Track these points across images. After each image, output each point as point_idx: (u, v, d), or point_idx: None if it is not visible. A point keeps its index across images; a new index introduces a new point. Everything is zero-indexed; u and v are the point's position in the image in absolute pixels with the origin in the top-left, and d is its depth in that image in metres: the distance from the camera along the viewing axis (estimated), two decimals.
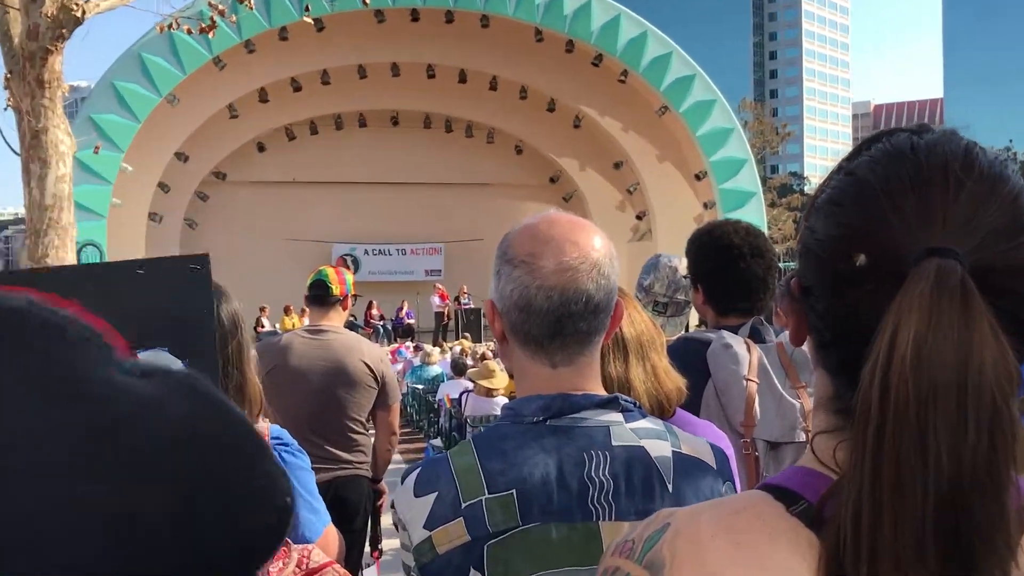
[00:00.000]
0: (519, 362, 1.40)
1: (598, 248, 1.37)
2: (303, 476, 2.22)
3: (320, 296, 4.16)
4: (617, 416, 1.37)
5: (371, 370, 4.10)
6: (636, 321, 1.98)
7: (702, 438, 1.48)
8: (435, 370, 14.79)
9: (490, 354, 14.17)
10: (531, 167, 27.89)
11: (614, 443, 1.35)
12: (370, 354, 4.16)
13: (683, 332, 3.30)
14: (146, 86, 21.43)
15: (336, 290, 4.17)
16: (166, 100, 21.64)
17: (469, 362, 13.50)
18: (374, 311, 25.28)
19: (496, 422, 1.41)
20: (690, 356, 2.39)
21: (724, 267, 2.65)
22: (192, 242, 25.67)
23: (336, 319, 4.20)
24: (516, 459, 1.33)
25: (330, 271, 4.24)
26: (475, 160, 27.98)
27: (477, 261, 27.10)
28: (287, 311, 22.80)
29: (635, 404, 1.42)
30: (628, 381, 1.93)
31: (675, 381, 2.00)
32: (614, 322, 1.41)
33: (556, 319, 1.34)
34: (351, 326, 15.86)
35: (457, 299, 24.79)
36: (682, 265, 3.20)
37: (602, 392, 1.41)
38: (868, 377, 0.71)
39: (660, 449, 1.37)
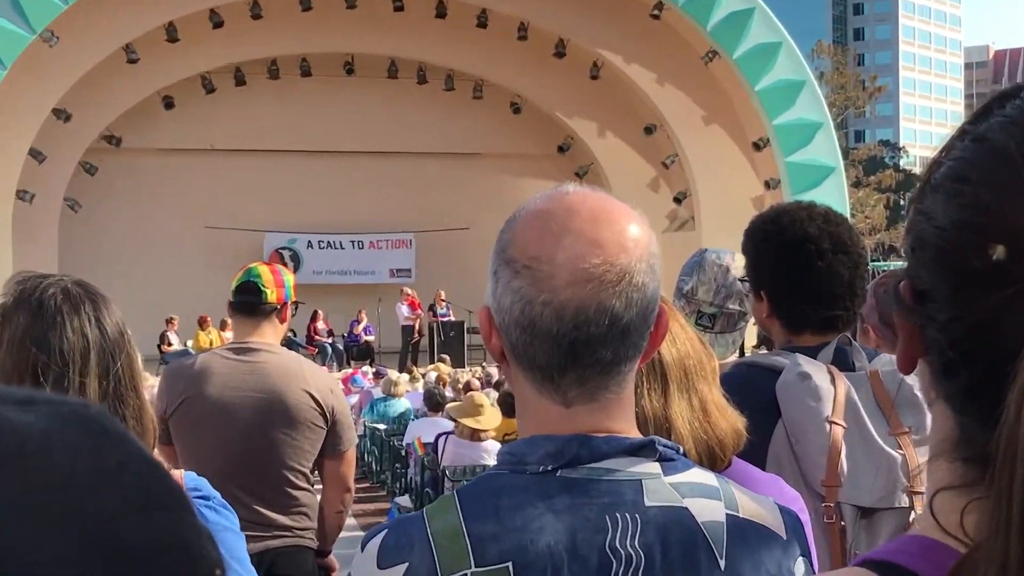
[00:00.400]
0: (522, 393, 1.42)
1: (631, 247, 1.37)
2: (230, 540, 2.27)
3: (250, 303, 4.18)
4: (653, 467, 1.39)
5: (318, 404, 4.11)
6: (679, 339, 2.00)
7: (768, 497, 1.49)
8: (402, 404, 14.90)
9: (476, 383, 14.27)
10: (533, 132, 27.92)
11: (648, 502, 1.36)
12: (316, 382, 4.17)
13: (735, 354, 3.35)
14: (15, 20, 21.41)
15: (271, 295, 4.18)
16: (41, 39, 21.63)
17: (448, 394, 13.62)
18: (320, 324, 25.41)
19: (490, 471, 1.43)
20: (753, 389, 2.41)
21: (796, 268, 2.67)
22: (75, 229, 25.69)
23: (271, 334, 4.21)
24: (514, 521, 1.34)
25: (263, 269, 4.25)
26: (458, 122, 27.97)
27: (460, 258, 26.95)
28: (203, 324, 22.94)
29: (678, 450, 1.43)
30: (668, 420, 1.96)
31: (731, 421, 2.03)
32: (655, 339, 1.42)
33: (569, 345, 1.35)
34: (290, 344, 15.96)
35: (432, 309, 24.93)
36: (736, 264, 3.24)
37: (635, 434, 1.41)
38: (1014, 410, 0.70)
39: (710, 511, 1.38)
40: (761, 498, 1.46)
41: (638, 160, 26.94)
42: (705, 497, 1.38)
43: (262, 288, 4.15)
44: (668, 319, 1.45)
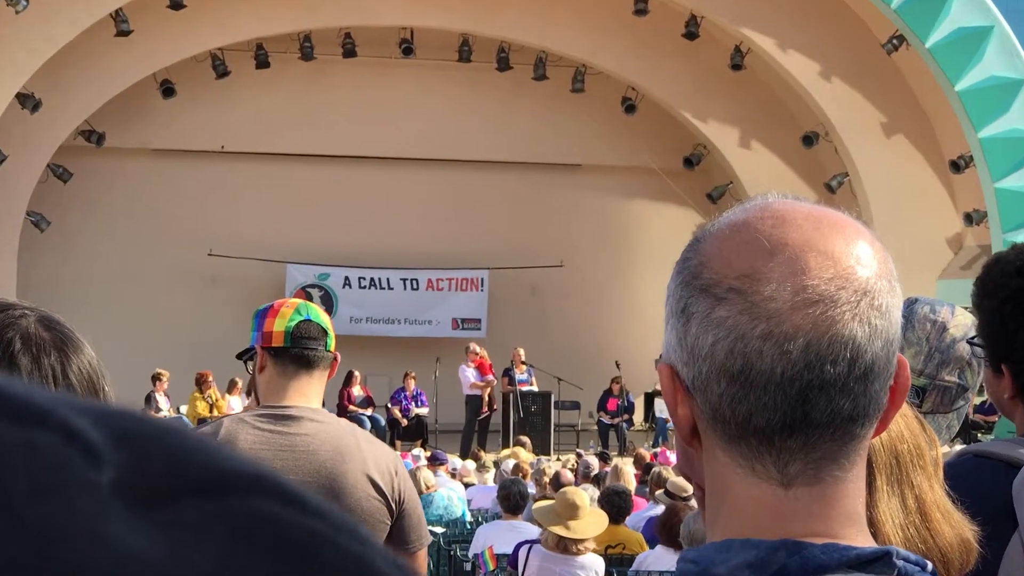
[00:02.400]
0: (721, 475, 1.42)
1: (867, 258, 1.38)
2: None
3: (309, 354, 4.19)
4: None
5: (380, 492, 4.14)
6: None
7: None
8: (463, 501, 14.98)
9: (568, 475, 14.07)
10: (651, 138, 27.91)
11: None
12: (377, 461, 4.19)
13: (954, 441, 3.30)
14: None
15: (332, 343, 4.24)
16: (5, 3, 21.71)
17: (531, 489, 13.40)
18: (355, 389, 25.32)
19: None
20: (982, 489, 2.42)
21: None
22: (39, 252, 25.99)
23: (316, 395, 4.24)
24: None
25: (316, 308, 4.31)
26: (551, 123, 28.07)
27: (548, 305, 27.31)
28: (201, 383, 22.93)
29: (925, 567, 1.41)
30: (873, 522, 1.99)
31: (957, 528, 2.06)
32: (896, 394, 1.42)
33: (798, 393, 1.34)
34: None
35: (508, 374, 24.93)
36: (957, 321, 3.26)
37: (863, 539, 1.41)
38: None
39: None
40: None
41: (793, 179, 26.82)
42: None
43: (327, 332, 4.21)
44: (906, 367, 1.43)
